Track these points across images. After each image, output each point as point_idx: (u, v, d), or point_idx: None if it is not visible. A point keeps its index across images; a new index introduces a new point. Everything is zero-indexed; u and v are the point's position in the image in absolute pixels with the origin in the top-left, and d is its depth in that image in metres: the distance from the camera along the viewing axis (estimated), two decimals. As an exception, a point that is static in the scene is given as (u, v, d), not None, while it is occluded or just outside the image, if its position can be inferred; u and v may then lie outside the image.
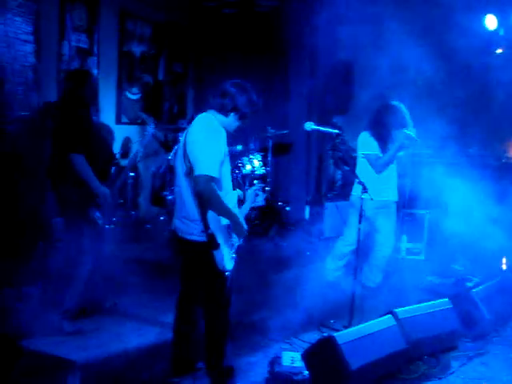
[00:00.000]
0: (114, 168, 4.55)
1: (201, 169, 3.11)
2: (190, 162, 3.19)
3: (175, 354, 3.61)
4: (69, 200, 4.03)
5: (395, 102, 4.88)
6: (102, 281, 4.56)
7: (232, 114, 3.36)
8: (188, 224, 3.32)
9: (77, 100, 4.07)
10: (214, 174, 3.14)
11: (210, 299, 3.45)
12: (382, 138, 4.84)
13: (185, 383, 3.56)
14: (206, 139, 3.21)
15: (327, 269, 5.22)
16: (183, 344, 3.59)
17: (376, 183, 4.79)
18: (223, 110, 3.35)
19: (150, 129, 4.68)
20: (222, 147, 3.26)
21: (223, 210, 3.22)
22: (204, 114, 3.42)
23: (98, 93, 5.63)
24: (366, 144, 4.92)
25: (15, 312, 4.11)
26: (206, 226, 3.20)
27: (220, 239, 3.22)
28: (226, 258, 3.26)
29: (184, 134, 3.40)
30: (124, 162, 4.61)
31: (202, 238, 3.24)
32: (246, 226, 3.35)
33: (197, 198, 3.18)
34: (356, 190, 4.93)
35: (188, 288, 3.60)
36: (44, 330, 3.94)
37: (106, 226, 4.16)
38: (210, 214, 3.22)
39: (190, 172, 3.20)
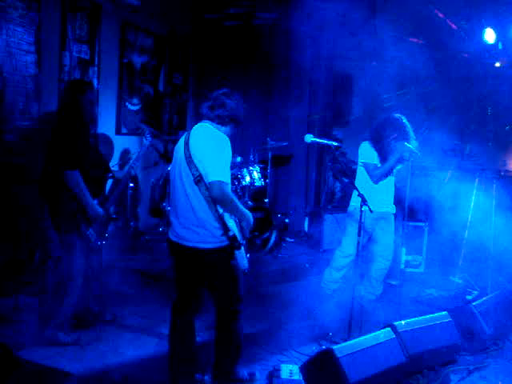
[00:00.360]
0: (111, 180, 4.53)
1: (215, 175, 3.24)
2: (198, 170, 3.29)
3: (173, 366, 3.59)
4: (61, 215, 3.98)
5: (396, 115, 4.89)
6: (102, 293, 4.55)
7: (231, 123, 3.50)
8: (200, 232, 3.36)
9: (73, 111, 4.01)
10: (227, 179, 3.28)
11: (226, 305, 3.50)
12: (382, 150, 4.85)
13: None
14: (217, 148, 3.33)
15: (325, 281, 5.20)
16: (181, 356, 3.57)
17: (374, 194, 4.80)
18: (222, 121, 3.47)
19: (146, 141, 4.64)
20: (230, 155, 3.37)
21: (239, 210, 3.38)
22: (203, 124, 3.49)
23: (96, 104, 5.59)
24: (365, 153, 4.93)
25: (12, 322, 4.09)
26: (227, 229, 3.29)
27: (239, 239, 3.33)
28: (245, 257, 3.37)
29: (182, 145, 3.43)
30: (119, 174, 4.56)
31: (219, 244, 3.33)
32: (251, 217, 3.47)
33: (212, 203, 3.27)
34: (354, 200, 4.93)
35: (187, 297, 3.59)
36: (41, 341, 3.93)
37: (98, 243, 4.10)
38: (225, 218, 3.33)
39: (199, 180, 3.29)
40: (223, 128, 3.47)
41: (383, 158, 4.85)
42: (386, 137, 4.82)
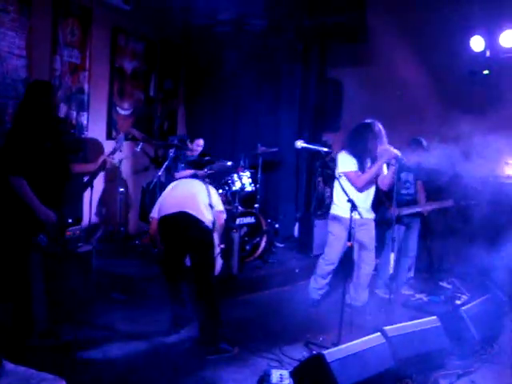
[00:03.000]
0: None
1: None
2: None
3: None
4: (10, 219, 3.86)
5: (370, 121, 4.85)
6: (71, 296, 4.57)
7: None
8: None
9: (27, 115, 3.83)
10: None
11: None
12: (360, 157, 4.83)
13: None
14: None
15: (311, 288, 5.23)
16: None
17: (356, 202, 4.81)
18: None
19: (118, 144, 4.58)
20: None
21: None
22: None
23: (55, 107, 5.31)
24: (344, 163, 4.89)
25: (5, 328, 4.05)
26: None
27: None
28: None
29: None
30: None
31: None
32: None
33: None
34: (335, 208, 4.97)
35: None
36: (30, 347, 3.90)
37: (51, 248, 3.93)
38: None
39: None
40: None
41: (362, 164, 4.84)
42: (363, 143, 4.80)
